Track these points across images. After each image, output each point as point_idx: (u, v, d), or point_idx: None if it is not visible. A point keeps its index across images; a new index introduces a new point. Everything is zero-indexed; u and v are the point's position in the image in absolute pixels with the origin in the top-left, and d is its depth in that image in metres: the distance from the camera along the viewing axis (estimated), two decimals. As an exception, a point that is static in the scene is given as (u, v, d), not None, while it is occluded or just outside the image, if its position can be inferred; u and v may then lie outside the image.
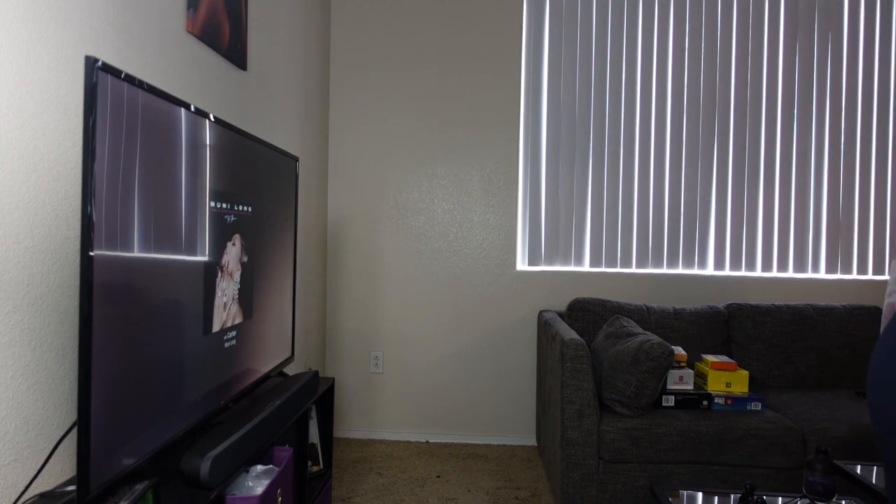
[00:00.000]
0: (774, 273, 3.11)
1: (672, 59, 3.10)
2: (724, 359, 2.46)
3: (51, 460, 1.17)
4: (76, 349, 1.23)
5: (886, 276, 3.10)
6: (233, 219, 1.49)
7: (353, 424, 3.22)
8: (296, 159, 2.00)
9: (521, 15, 3.12)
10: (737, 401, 2.32)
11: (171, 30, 1.60)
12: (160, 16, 1.55)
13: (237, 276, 1.52)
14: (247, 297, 1.59)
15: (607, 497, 2.21)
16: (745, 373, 2.38)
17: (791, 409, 2.39)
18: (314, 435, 2.14)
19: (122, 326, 1.02)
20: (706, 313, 2.82)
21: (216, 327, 1.40)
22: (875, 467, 1.81)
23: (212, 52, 1.83)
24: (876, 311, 2.80)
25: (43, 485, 1.16)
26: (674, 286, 3.10)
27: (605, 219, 3.13)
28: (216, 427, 1.31)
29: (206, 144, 1.32)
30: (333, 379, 2.16)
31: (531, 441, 3.17)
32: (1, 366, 1.05)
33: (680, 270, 3.13)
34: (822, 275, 3.10)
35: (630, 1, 3.09)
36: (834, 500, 1.63)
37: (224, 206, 1.43)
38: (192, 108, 1.25)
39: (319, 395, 1.97)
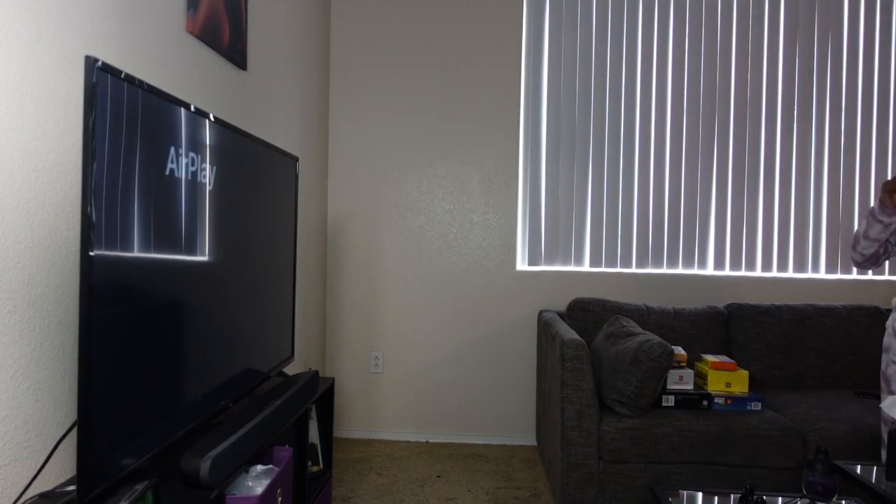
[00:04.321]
0: (774, 273, 3.11)
1: (672, 59, 3.10)
2: (724, 359, 2.46)
3: (51, 460, 1.17)
4: (76, 349, 1.23)
5: (887, 276, 3.10)
6: (233, 218, 1.49)
7: (353, 424, 3.22)
8: (296, 159, 2.00)
9: (521, 14, 3.12)
10: (737, 401, 2.32)
11: (171, 30, 1.60)
12: (160, 16, 1.55)
13: (239, 274, 1.52)
14: (248, 297, 1.59)
15: (607, 497, 2.21)
16: (745, 373, 2.38)
17: (791, 409, 2.39)
18: (314, 435, 2.15)
19: (122, 326, 1.02)
20: (706, 313, 2.82)
21: (216, 327, 1.40)
22: (875, 467, 1.81)
23: (212, 52, 1.83)
24: (876, 312, 2.80)
25: (43, 485, 1.16)
26: (674, 286, 3.10)
27: (605, 219, 3.13)
28: (216, 427, 1.31)
29: (205, 144, 1.32)
30: (333, 379, 2.16)
31: (531, 441, 3.17)
32: (1, 366, 1.05)
33: (680, 270, 3.13)
34: (822, 275, 3.10)
35: (630, 0, 3.09)
36: (834, 500, 1.63)
37: (224, 205, 1.43)
38: (192, 108, 1.25)
39: (319, 395, 1.97)
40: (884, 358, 2.06)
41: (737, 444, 2.18)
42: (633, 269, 3.14)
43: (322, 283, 3.15)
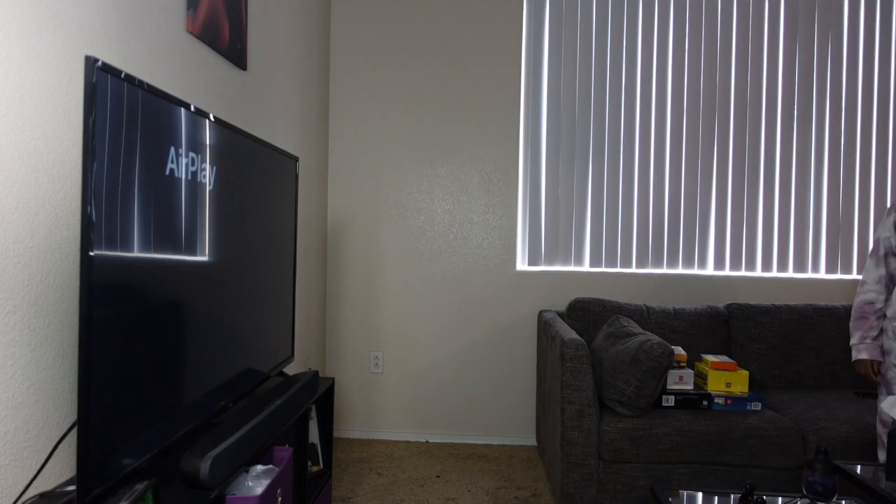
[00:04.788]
0: (774, 273, 3.11)
1: (672, 59, 3.10)
2: (724, 359, 2.46)
3: (51, 460, 1.17)
4: (76, 349, 1.23)
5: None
6: (233, 218, 1.49)
7: (353, 424, 3.22)
8: (296, 159, 2.00)
9: (521, 14, 3.12)
10: (737, 401, 2.32)
11: (171, 30, 1.60)
12: (160, 16, 1.55)
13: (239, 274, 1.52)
14: (248, 297, 1.59)
15: (607, 497, 2.21)
16: (745, 373, 2.38)
17: (791, 409, 2.39)
18: (314, 435, 2.15)
19: (121, 326, 1.02)
20: (706, 313, 2.82)
21: (216, 327, 1.40)
22: (874, 467, 1.81)
23: (212, 52, 1.83)
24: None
25: (43, 485, 1.16)
26: (674, 286, 3.10)
27: (605, 219, 3.13)
28: (216, 427, 1.31)
29: (205, 144, 1.32)
30: (333, 379, 2.16)
31: (531, 441, 3.17)
32: (1, 366, 1.05)
33: (680, 270, 3.13)
34: (822, 275, 3.10)
35: (630, 1, 3.09)
36: (834, 500, 1.63)
37: (224, 205, 1.43)
38: (192, 108, 1.25)
39: (319, 394, 1.97)
40: (887, 360, 2.05)
41: (737, 444, 2.18)
42: (633, 269, 3.14)
43: (322, 283, 3.15)
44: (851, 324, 2.18)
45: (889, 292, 2.09)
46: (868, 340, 2.12)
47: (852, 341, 2.16)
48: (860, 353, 2.13)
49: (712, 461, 2.19)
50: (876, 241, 2.14)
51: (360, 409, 3.22)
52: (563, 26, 3.10)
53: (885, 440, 1.96)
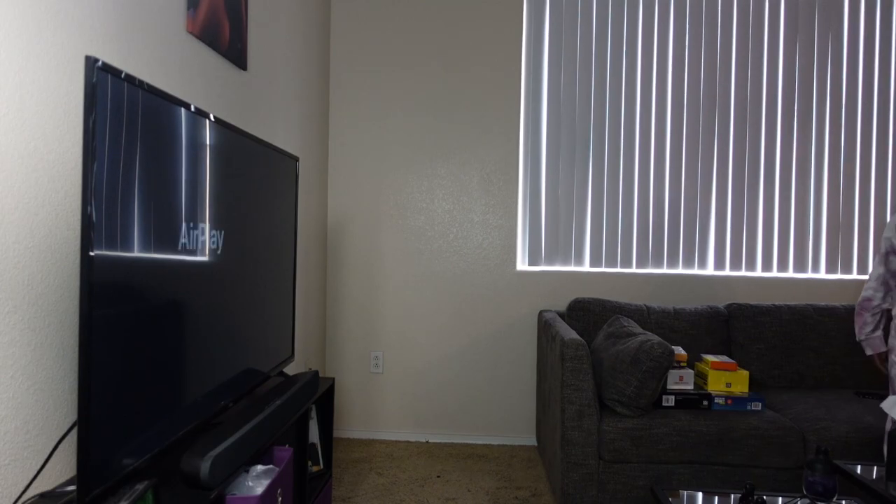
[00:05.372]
0: (774, 273, 3.11)
1: (672, 60, 3.10)
2: (724, 359, 2.46)
3: (51, 460, 1.17)
4: (76, 349, 1.23)
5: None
6: (233, 218, 1.48)
7: (353, 424, 3.22)
8: (296, 159, 2.00)
9: (521, 14, 3.12)
10: (737, 401, 2.32)
11: (171, 30, 1.60)
12: (160, 16, 1.55)
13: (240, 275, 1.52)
14: (248, 297, 1.59)
15: (607, 497, 2.21)
16: (745, 373, 2.38)
17: (791, 409, 2.39)
18: (314, 435, 2.14)
19: (122, 326, 1.02)
20: (706, 313, 2.82)
21: (216, 327, 1.40)
22: (875, 467, 1.81)
23: (212, 51, 1.83)
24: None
25: (43, 485, 1.16)
26: (674, 286, 3.10)
27: (605, 219, 3.13)
28: (216, 427, 1.31)
29: (205, 144, 1.32)
30: (333, 379, 2.16)
31: (531, 441, 3.17)
32: (1, 366, 1.05)
33: (680, 270, 3.13)
34: (822, 275, 3.10)
35: (630, 1, 3.09)
36: (834, 500, 1.63)
37: (224, 205, 1.43)
38: (192, 108, 1.25)
39: (319, 394, 1.97)
40: (889, 358, 2.06)
41: (737, 444, 2.18)
42: (633, 270, 3.14)
43: (322, 283, 3.15)
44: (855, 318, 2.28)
45: (887, 290, 2.14)
46: (864, 336, 2.22)
47: (857, 338, 2.25)
48: (866, 349, 2.24)
49: (712, 461, 2.19)
50: (881, 241, 2.18)
51: (360, 408, 3.22)
52: (563, 27, 3.10)
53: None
